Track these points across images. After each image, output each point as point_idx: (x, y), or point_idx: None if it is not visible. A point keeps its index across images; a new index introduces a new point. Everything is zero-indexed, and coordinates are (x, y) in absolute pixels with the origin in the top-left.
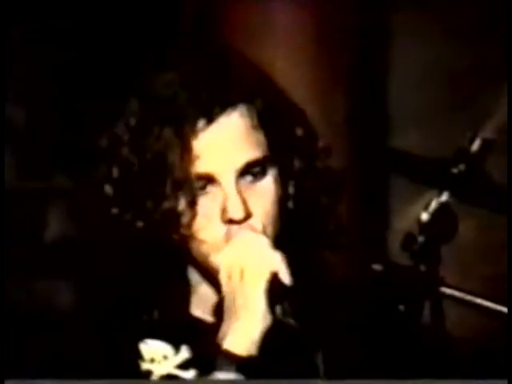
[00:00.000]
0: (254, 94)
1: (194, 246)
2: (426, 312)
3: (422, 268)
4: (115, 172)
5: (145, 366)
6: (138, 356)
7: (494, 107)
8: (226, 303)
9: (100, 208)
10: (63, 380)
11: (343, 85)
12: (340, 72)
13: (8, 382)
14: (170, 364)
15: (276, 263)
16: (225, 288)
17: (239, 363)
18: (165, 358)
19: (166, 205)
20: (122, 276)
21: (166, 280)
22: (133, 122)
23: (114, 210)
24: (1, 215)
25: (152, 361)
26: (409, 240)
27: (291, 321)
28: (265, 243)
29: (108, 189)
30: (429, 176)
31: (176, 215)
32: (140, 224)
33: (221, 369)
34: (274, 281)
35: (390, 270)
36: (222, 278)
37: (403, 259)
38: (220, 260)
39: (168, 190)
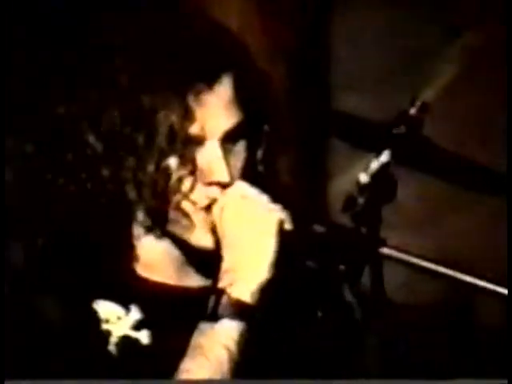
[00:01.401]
0: (235, 60)
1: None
2: (367, 273)
3: (363, 229)
4: (103, 127)
5: (103, 326)
6: (96, 317)
7: (434, 71)
8: (230, 253)
9: (87, 165)
10: (63, 380)
11: (286, 46)
12: (283, 36)
13: (8, 382)
14: (124, 325)
15: (280, 211)
16: (231, 237)
17: (247, 312)
18: (118, 318)
19: (163, 164)
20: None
21: (114, 239)
22: (124, 78)
23: (105, 171)
24: (1, 213)
25: (107, 321)
26: (349, 202)
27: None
28: (260, 196)
29: (98, 146)
30: (369, 137)
31: (170, 175)
32: (130, 187)
33: (227, 317)
34: (284, 231)
35: (331, 231)
36: (226, 226)
37: (345, 221)
38: (223, 207)
39: (166, 148)
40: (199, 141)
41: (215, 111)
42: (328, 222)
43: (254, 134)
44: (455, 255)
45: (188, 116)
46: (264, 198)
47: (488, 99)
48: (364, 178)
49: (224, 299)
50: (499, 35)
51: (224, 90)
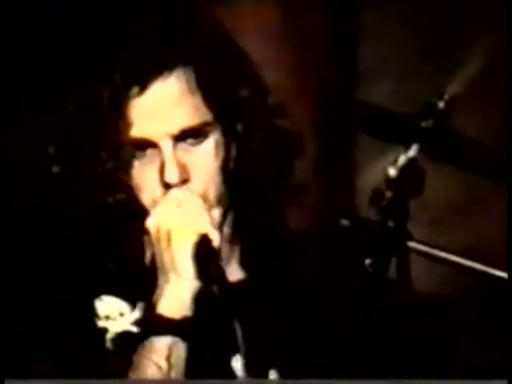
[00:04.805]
0: (190, 55)
1: (134, 208)
2: (393, 267)
3: (390, 223)
4: (58, 132)
5: (100, 323)
6: (93, 313)
7: (462, 64)
8: (158, 266)
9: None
10: (63, 380)
11: (314, 38)
12: (310, 26)
13: (8, 381)
14: (125, 321)
15: (204, 224)
16: (156, 250)
17: (174, 327)
18: (121, 315)
19: (100, 169)
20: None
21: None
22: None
23: (55, 169)
24: (1, 211)
25: (107, 318)
26: (376, 195)
27: (214, 287)
28: (195, 203)
29: (50, 149)
30: (397, 131)
31: (111, 179)
32: (81, 184)
33: (156, 333)
34: (204, 243)
35: (357, 225)
36: (153, 240)
37: (371, 215)
38: (149, 221)
39: (102, 154)
40: (146, 143)
41: (158, 113)
42: (354, 215)
43: (225, 131)
44: (483, 250)
45: (120, 120)
46: (197, 208)
47: None
48: (392, 171)
49: (152, 315)
50: None
51: (166, 90)
